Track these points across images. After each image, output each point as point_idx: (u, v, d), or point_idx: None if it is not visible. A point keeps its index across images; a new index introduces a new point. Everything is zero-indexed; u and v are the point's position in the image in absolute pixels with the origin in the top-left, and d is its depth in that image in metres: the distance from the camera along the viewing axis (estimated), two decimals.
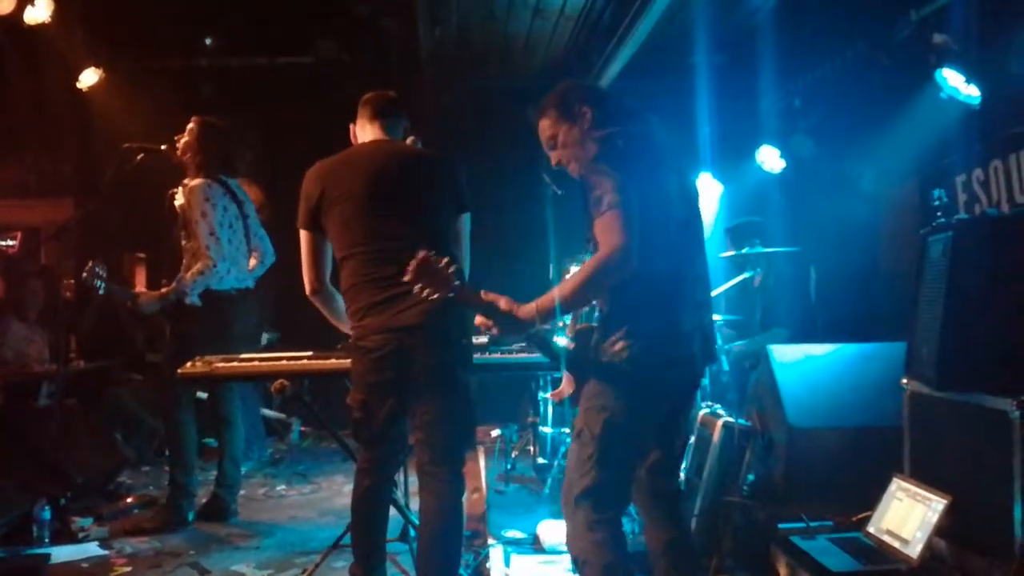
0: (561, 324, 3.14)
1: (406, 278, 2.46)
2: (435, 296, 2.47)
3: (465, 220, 3.25)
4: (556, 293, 2.45)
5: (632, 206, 2.39)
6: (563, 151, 2.72)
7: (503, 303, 2.48)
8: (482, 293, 2.51)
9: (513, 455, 5.86)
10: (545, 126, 2.74)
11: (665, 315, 2.53)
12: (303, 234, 3.19)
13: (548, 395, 2.79)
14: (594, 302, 2.69)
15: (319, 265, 3.19)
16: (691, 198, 2.72)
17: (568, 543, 2.62)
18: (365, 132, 3.28)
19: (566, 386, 2.72)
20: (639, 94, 6.60)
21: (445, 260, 2.45)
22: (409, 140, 3.40)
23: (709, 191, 6.63)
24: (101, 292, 4.47)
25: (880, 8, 4.74)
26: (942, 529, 2.98)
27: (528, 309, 2.47)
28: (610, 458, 2.53)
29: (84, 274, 4.41)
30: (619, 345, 2.49)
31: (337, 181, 3.09)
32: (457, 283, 2.47)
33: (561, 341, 2.73)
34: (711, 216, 6.67)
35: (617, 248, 2.35)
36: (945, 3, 4.25)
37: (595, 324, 2.64)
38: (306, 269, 3.21)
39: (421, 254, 2.45)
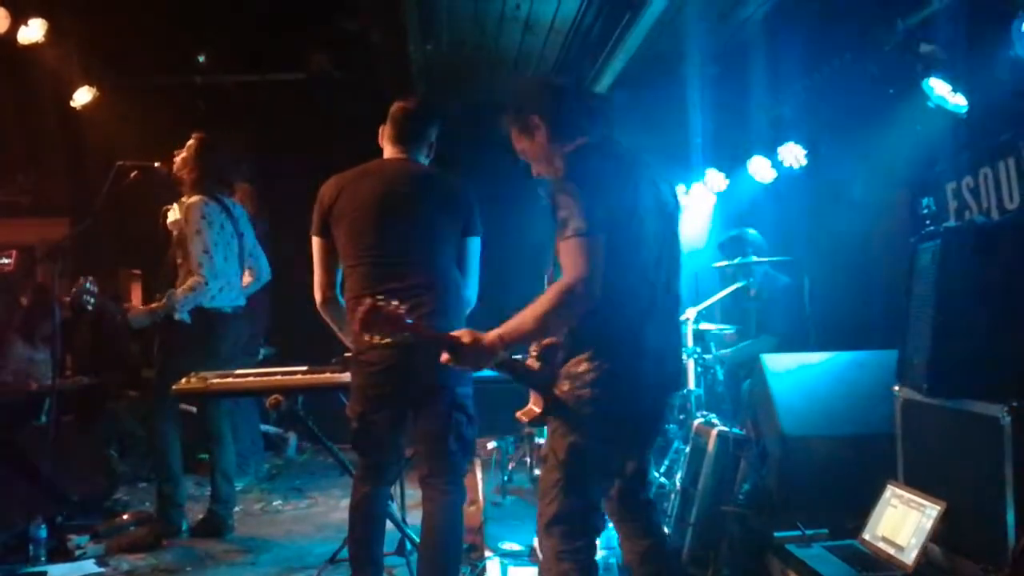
0: None
1: (355, 327, 2.45)
2: (387, 340, 2.46)
3: (473, 244, 3.27)
4: (518, 323, 2.39)
5: (598, 232, 2.31)
6: (535, 165, 2.68)
7: (466, 337, 2.41)
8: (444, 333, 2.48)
9: (510, 467, 5.86)
10: (513, 140, 2.69)
11: (634, 337, 2.44)
12: (315, 240, 3.22)
13: (516, 416, 2.71)
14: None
15: (329, 272, 3.23)
16: (668, 215, 2.61)
17: (539, 572, 2.59)
18: (386, 147, 3.31)
19: (532, 406, 2.62)
20: (631, 105, 6.66)
21: (394, 304, 2.42)
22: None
23: (702, 201, 6.66)
24: (90, 308, 4.47)
25: (867, 18, 4.77)
26: (937, 535, 3.00)
27: (491, 338, 2.39)
28: (576, 484, 2.46)
29: (73, 290, 4.41)
30: (584, 367, 2.41)
31: (349, 194, 3.14)
32: (410, 322, 2.45)
33: (527, 360, 2.64)
34: (704, 226, 6.70)
35: (579, 279, 2.29)
36: (931, 13, 4.28)
37: (560, 341, 2.54)
38: (317, 276, 3.24)
39: (367, 302, 2.41)
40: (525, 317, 2.38)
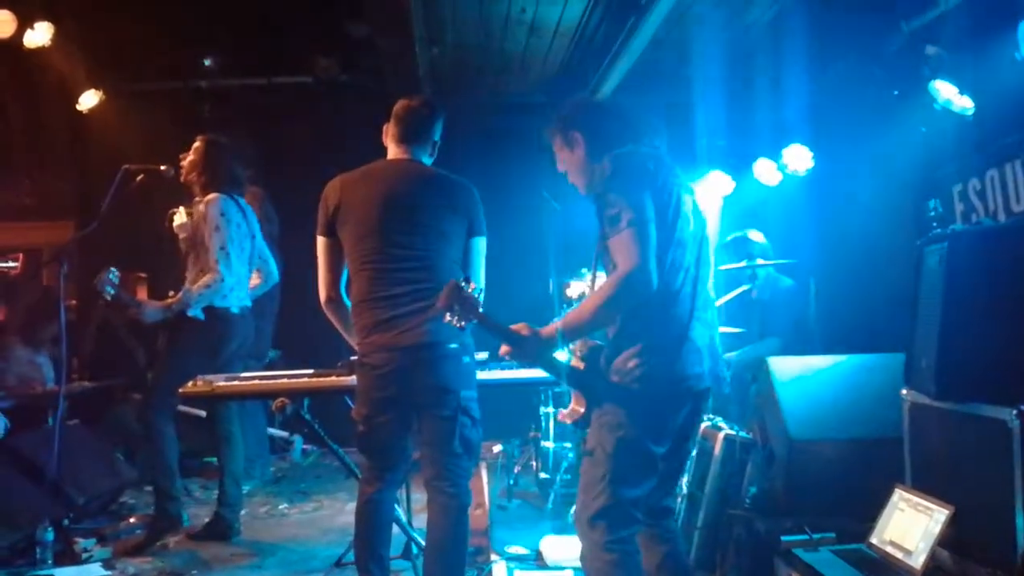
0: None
1: (439, 304, 2.52)
2: (462, 323, 2.51)
3: (478, 244, 3.28)
4: (577, 314, 2.50)
5: (648, 225, 2.44)
6: (571, 176, 2.81)
7: (525, 330, 2.54)
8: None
9: (515, 470, 5.86)
10: (556, 152, 2.82)
11: (679, 332, 2.54)
12: (320, 240, 3.24)
13: (559, 416, 2.82)
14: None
15: (334, 271, 3.23)
16: (702, 219, 2.75)
17: (582, 562, 2.62)
18: (390, 147, 3.31)
19: (576, 406, 2.72)
20: (636, 107, 6.65)
21: (472, 286, 2.51)
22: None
23: (707, 204, 6.64)
24: (109, 298, 4.48)
25: (872, 21, 4.77)
26: (945, 539, 2.98)
27: (550, 331, 2.52)
28: (623, 477, 2.53)
29: (96, 279, 4.41)
30: (633, 362, 2.50)
31: (354, 197, 3.15)
32: (481, 311, 2.52)
33: (572, 361, 2.73)
34: (710, 229, 6.68)
35: (635, 268, 2.40)
36: (937, 15, 4.27)
37: (602, 343, 2.66)
38: (321, 275, 3.26)
39: (452, 282, 2.50)
40: (584, 307, 2.50)
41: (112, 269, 4.43)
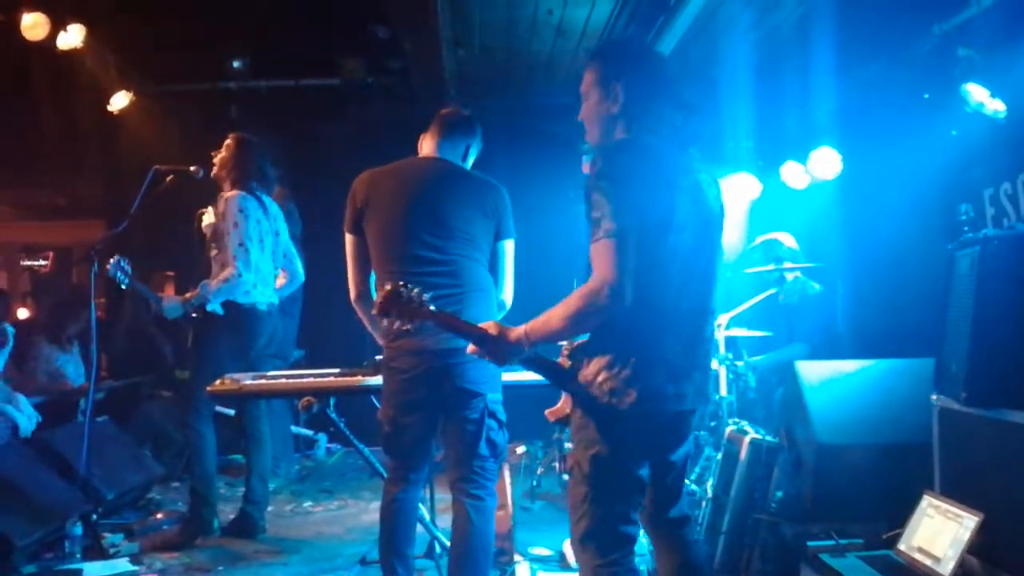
0: None
1: (374, 311, 2.44)
2: (407, 327, 2.45)
3: (507, 247, 3.29)
4: (544, 321, 2.35)
5: (630, 234, 2.22)
6: (588, 117, 2.56)
7: (493, 329, 2.40)
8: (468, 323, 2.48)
9: (539, 472, 5.86)
10: (585, 78, 2.55)
11: (655, 347, 2.34)
12: (348, 238, 3.25)
13: (546, 413, 2.70)
14: None
15: (362, 269, 3.24)
16: (709, 222, 2.50)
17: None
18: (424, 146, 3.33)
19: (563, 405, 2.60)
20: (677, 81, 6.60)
21: (416, 291, 2.42)
22: None
23: (735, 206, 6.61)
24: (124, 287, 4.52)
25: (903, 23, 4.72)
26: (974, 547, 2.95)
27: (517, 334, 2.37)
28: (604, 496, 2.39)
29: (107, 266, 4.46)
30: (602, 376, 2.33)
31: (381, 193, 3.16)
32: (432, 309, 2.43)
33: (559, 358, 2.59)
34: (737, 232, 6.64)
35: (606, 282, 2.21)
36: (969, 17, 4.22)
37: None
38: (351, 273, 3.27)
39: (388, 286, 2.42)
40: (552, 316, 2.33)
41: (117, 256, 4.48)
